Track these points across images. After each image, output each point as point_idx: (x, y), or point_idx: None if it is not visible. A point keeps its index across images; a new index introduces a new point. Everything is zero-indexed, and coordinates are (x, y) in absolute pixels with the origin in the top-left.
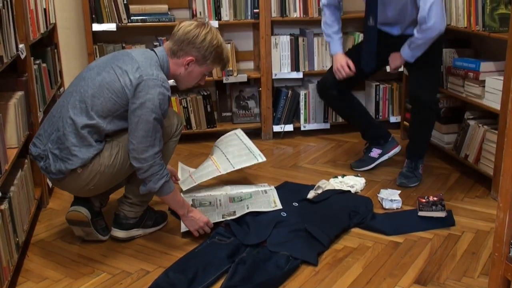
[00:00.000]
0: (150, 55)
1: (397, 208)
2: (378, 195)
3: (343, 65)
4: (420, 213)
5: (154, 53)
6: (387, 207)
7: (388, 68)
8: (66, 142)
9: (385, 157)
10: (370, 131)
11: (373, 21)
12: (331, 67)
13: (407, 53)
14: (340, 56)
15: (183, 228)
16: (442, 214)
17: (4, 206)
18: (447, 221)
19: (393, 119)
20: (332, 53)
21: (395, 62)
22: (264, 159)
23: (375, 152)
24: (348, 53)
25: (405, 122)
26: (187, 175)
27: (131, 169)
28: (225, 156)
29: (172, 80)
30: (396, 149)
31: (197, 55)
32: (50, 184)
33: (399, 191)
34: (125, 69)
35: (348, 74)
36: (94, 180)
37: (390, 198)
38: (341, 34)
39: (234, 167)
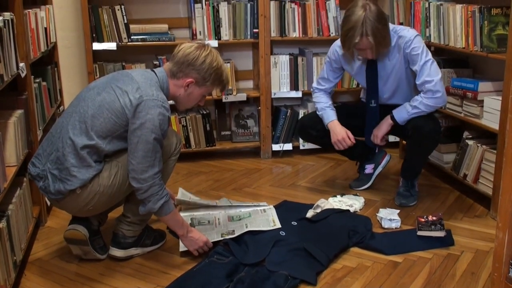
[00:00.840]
0: (150, 75)
1: (396, 228)
2: (377, 214)
3: (344, 138)
4: (419, 233)
5: (154, 74)
6: (386, 227)
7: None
8: (66, 163)
9: (379, 169)
10: (356, 151)
11: (375, 102)
12: (312, 113)
13: (403, 117)
14: (337, 126)
15: (182, 247)
16: (441, 233)
17: (2, 224)
18: (446, 241)
19: (391, 138)
20: (326, 122)
21: (384, 129)
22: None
23: (369, 168)
24: (340, 113)
25: (403, 141)
26: (187, 200)
27: (130, 189)
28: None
29: (172, 101)
30: (387, 158)
31: (196, 76)
32: (49, 203)
33: (398, 211)
34: (125, 90)
35: (349, 146)
36: (94, 201)
37: (389, 218)
38: (333, 105)
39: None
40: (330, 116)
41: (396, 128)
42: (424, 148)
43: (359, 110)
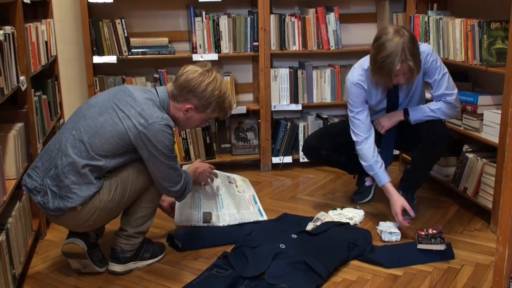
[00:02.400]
0: (151, 96)
1: (396, 241)
2: (377, 227)
3: (400, 219)
4: (420, 246)
5: (156, 93)
6: (386, 240)
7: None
8: (66, 180)
9: None
10: (356, 166)
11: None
12: (316, 132)
13: (417, 117)
14: (395, 195)
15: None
16: (441, 247)
17: (2, 237)
18: (447, 254)
19: None
20: (380, 185)
21: (393, 121)
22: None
23: (368, 181)
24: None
25: (403, 155)
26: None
27: (129, 202)
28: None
29: None
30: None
31: (197, 103)
32: None
33: (398, 224)
34: (128, 114)
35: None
36: (94, 216)
37: (389, 231)
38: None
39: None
40: (384, 178)
41: (401, 133)
42: (436, 153)
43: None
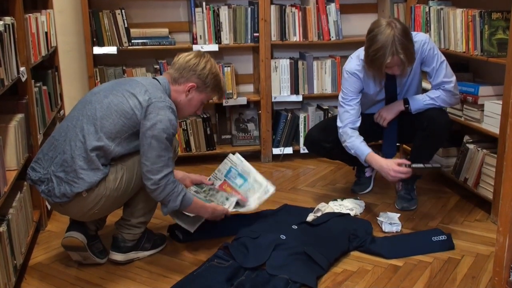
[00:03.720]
0: (154, 81)
1: (396, 232)
2: (378, 218)
3: (399, 170)
4: (414, 165)
5: (157, 81)
6: (386, 231)
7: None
8: (74, 165)
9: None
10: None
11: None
12: (318, 124)
13: (418, 106)
14: (381, 160)
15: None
16: (436, 165)
17: (3, 228)
18: (447, 245)
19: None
20: (363, 159)
21: (394, 112)
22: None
23: (368, 172)
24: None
25: (403, 146)
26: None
27: (133, 192)
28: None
29: None
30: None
31: (198, 81)
32: (49, 207)
33: (398, 214)
34: (133, 92)
35: (408, 173)
36: (99, 204)
37: (390, 222)
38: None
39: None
40: (364, 149)
41: (401, 124)
42: (437, 140)
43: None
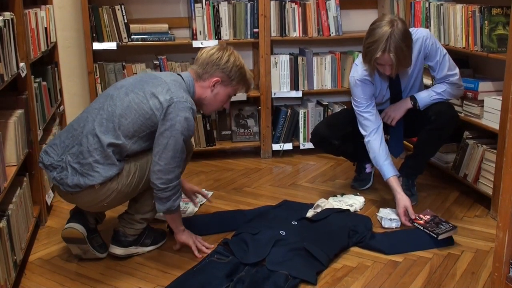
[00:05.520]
0: (177, 79)
1: (396, 227)
2: (377, 214)
3: (404, 220)
4: (441, 237)
5: (181, 78)
6: (386, 226)
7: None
8: (89, 158)
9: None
10: (363, 154)
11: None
12: (325, 121)
13: (425, 102)
14: (398, 195)
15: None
16: (455, 230)
17: (3, 224)
18: (446, 241)
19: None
20: (384, 180)
21: (402, 111)
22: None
23: (368, 167)
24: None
25: (405, 142)
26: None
27: (142, 190)
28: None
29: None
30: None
31: (222, 75)
32: (49, 202)
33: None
34: (155, 92)
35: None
36: (110, 198)
37: (389, 217)
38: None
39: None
40: (389, 171)
41: (407, 120)
42: (444, 134)
43: None
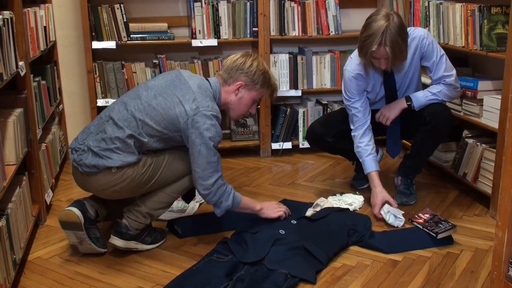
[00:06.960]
0: (205, 85)
1: (397, 227)
2: (383, 208)
3: (377, 216)
4: (440, 236)
5: (209, 83)
6: (389, 222)
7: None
8: (111, 145)
9: None
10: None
11: None
12: (320, 119)
13: (420, 102)
14: (376, 189)
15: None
16: (454, 229)
17: (2, 223)
18: (446, 240)
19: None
20: (365, 173)
21: (396, 111)
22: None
23: None
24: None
25: (404, 141)
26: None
27: (154, 187)
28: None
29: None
30: (380, 154)
31: (246, 79)
32: (48, 201)
33: (403, 212)
34: (182, 99)
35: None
36: (123, 183)
37: (396, 215)
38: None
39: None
40: (371, 166)
41: (404, 121)
42: (439, 135)
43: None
